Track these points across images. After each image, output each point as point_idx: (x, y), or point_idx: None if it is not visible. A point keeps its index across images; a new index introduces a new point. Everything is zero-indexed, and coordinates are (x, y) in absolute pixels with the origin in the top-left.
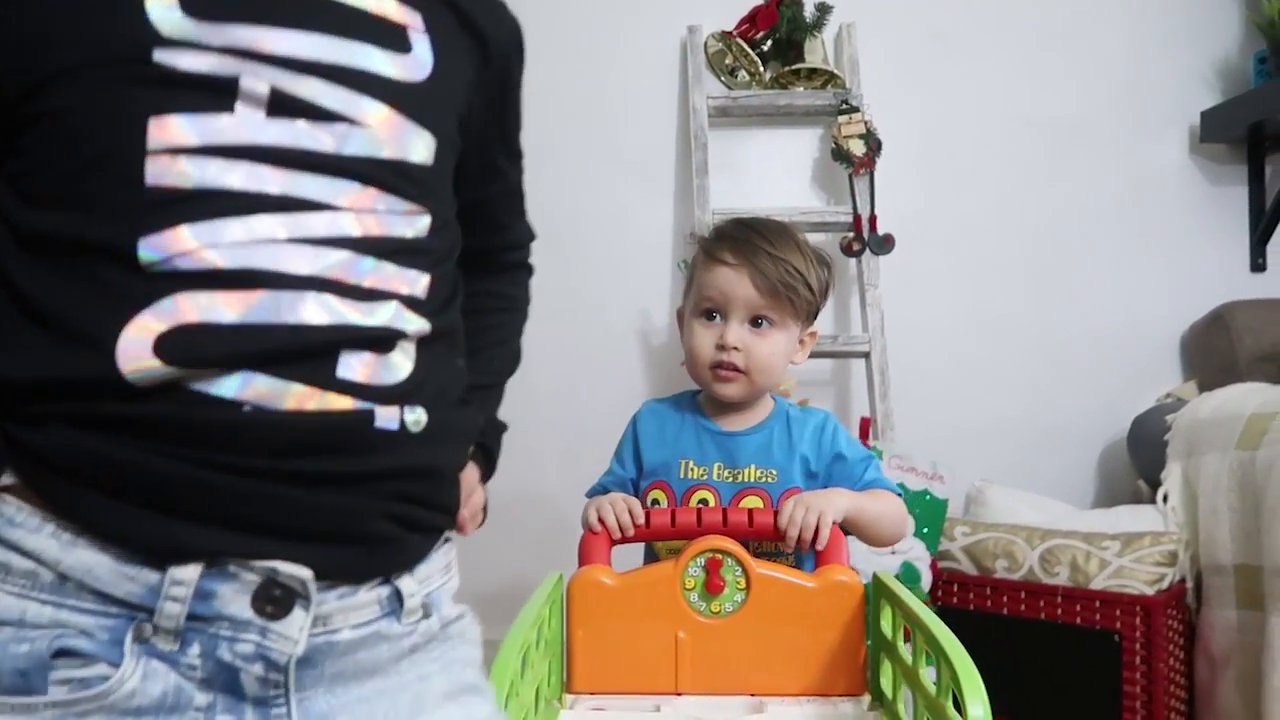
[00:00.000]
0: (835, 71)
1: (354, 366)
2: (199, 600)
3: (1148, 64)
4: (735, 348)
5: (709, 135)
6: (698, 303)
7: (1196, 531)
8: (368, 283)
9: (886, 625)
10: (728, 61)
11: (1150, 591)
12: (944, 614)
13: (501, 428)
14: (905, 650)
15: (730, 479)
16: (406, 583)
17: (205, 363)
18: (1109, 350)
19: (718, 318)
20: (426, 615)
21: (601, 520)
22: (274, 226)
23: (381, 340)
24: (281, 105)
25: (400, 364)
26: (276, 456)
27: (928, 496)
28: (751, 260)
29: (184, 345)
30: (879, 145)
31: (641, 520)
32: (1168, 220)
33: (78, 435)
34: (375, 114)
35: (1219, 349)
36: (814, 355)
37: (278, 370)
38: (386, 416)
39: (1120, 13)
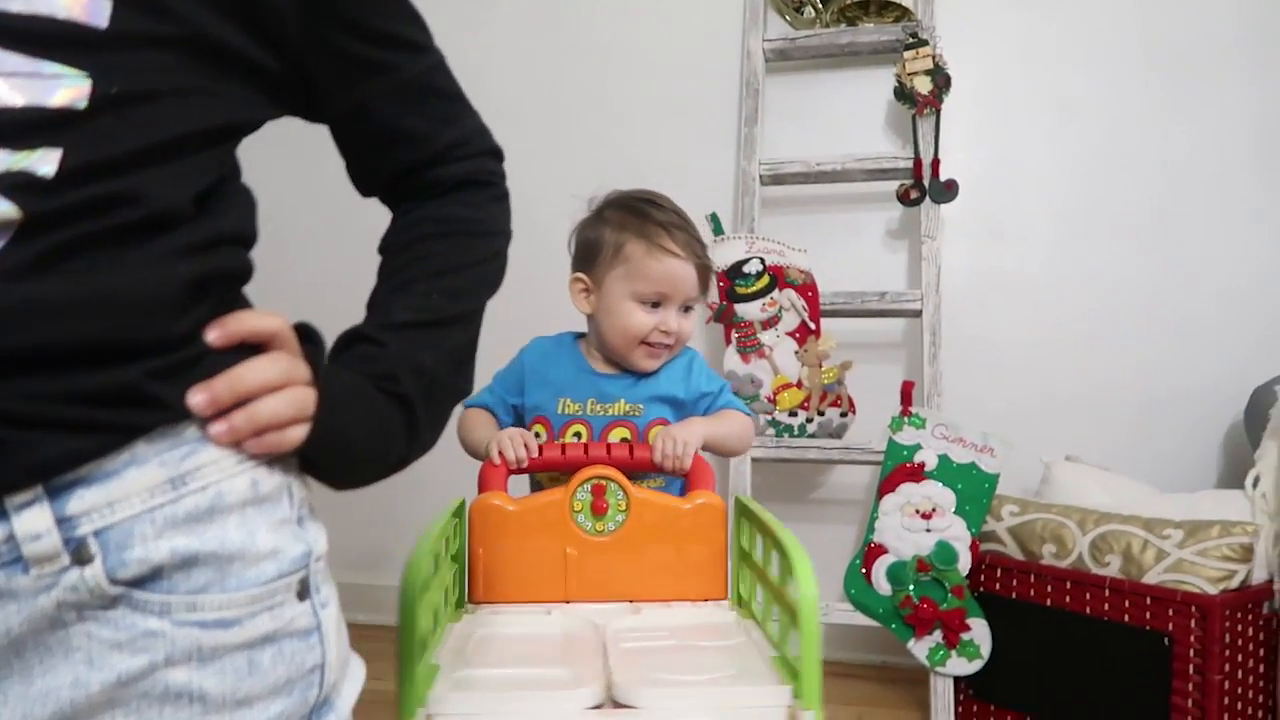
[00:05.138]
0: (904, 4)
1: None
2: None
3: None
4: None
5: (770, 82)
6: (642, 290)
7: None
8: None
9: (745, 540)
10: None
11: (1212, 590)
12: (983, 600)
13: (436, 378)
14: (760, 560)
15: (601, 413)
16: (31, 510)
17: None
18: (1236, 313)
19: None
20: (83, 561)
21: (501, 453)
22: None
23: None
24: None
25: None
26: None
27: (973, 470)
28: (693, 252)
29: None
30: (947, 81)
31: (536, 453)
32: None
33: None
34: None
35: None
36: (858, 314)
37: None
38: None
39: None
